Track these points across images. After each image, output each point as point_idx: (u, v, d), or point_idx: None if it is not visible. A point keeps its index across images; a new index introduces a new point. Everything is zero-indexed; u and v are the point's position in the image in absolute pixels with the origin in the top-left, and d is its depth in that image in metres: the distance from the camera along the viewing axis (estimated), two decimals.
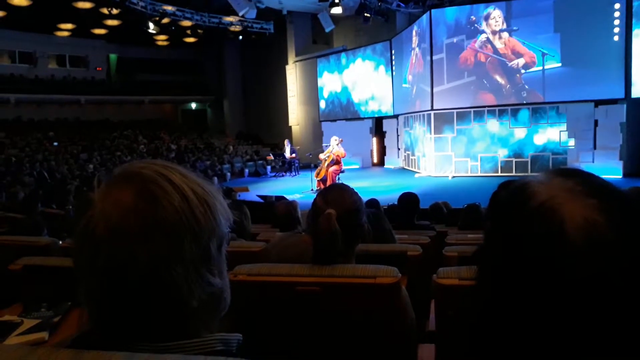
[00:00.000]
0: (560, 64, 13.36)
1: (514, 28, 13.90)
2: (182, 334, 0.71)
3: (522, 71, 13.94)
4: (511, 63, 14.02)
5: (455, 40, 14.71)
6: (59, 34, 23.89)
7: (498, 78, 14.29)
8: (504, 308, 0.59)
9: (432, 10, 15.09)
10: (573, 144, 13.61)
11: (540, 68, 13.66)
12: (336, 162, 12.33)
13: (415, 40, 16.54)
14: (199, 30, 20.78)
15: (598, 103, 13.17)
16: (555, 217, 0.56)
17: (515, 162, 14.30)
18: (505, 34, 14.07)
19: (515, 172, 14.03)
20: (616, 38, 12.62)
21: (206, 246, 0.73)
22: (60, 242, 2.97)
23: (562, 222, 0.56)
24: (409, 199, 4.64)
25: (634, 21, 12.21)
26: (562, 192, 0.58)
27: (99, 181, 0.74)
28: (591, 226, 0.55)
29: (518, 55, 13.95)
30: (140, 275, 0.68)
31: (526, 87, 13.93)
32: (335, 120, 20.69)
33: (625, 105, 12.85)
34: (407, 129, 17.92)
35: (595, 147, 13.32)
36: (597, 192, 0.58)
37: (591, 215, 0.55)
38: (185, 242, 0.70)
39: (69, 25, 22.90)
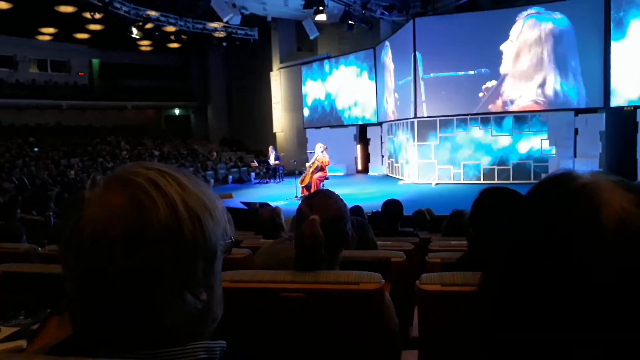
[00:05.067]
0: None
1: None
2: (165, 343, 0.70)
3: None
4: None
5: (437, 49, 14.81)
6: (41, 38, 23.57)
7: (480, 93, 14.45)
8: (523, 298, 0.59)
9: (416, 19, 15.20)
10: (555, 152, 13.81)
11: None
12: (321, 168, 12.36)
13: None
14: (183, 36, 20.67)
15: (578, 112, 13.40)
16: (593, 199, 0.58)
17: (498, 169, 14.44)
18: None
19: (498, 180, 14.14)
20: (595, 48, 12.85)
21: (191, 265, 0.70)
22: (40, 249, 2.92)
23: (600, 205, 0.58)
24: (392, 206, 4.66)
25: (612, 31, 12.44)
26: (604, 182, 0.61)
27: (92, 182, 0.72)
28: (626, 215, 0.56)
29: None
30: (114, 285, 0.66)
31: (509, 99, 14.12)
32: (319, 127, 20.73)
33: (604, 114, 13.09)
34: (391, 136, 18.01)
35: (575, 155, 13.52)
36: (637, 190, 0.60)
37: (628, 206, 0.57)
38: (166, 258, 0.67)
39: (51, 29, 22.61)
